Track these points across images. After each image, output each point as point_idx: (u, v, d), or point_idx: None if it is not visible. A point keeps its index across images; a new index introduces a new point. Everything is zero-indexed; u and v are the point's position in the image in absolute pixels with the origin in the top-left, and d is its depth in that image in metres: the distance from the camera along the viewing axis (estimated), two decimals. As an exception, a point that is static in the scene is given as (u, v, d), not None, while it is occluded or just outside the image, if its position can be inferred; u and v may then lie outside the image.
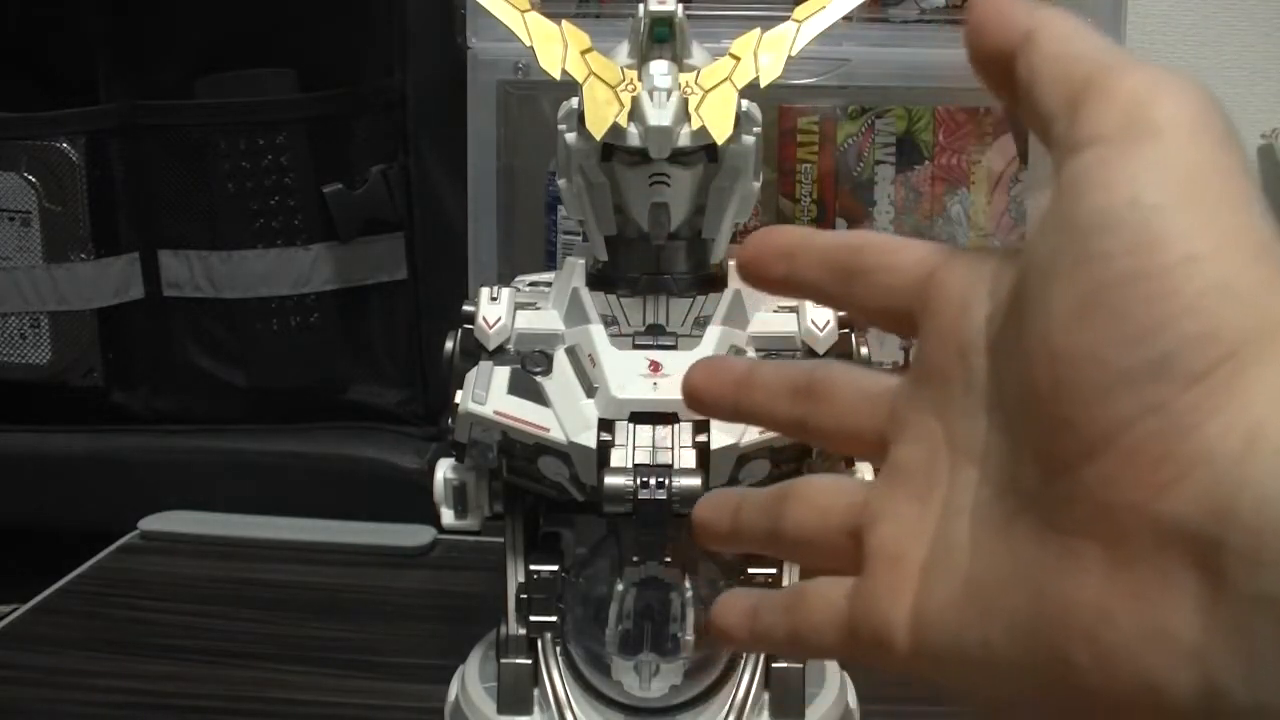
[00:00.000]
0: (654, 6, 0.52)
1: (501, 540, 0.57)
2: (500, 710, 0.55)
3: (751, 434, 0.50)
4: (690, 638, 0.53)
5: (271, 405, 0.92)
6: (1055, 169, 0.24)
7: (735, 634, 0.31)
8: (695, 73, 0.52)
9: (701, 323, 0.54)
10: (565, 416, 0.51)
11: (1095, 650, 0.23)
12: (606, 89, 0.51)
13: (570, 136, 0.53)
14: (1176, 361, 0.22)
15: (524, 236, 0.91)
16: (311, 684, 0.66)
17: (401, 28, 0.88)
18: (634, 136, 0.51)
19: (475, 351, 0.55)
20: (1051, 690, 0.24)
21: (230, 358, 0.92)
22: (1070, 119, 0.24)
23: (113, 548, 0.83)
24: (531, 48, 0.53)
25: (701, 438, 0.50)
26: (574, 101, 0.53)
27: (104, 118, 0.89)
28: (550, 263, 0.88)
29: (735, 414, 0.33)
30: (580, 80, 0.52)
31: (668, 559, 0.52)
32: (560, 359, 0.54)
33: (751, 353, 0.54)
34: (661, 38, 0.52)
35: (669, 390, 0.50)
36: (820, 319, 0.55)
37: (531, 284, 0.61)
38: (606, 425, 0.51)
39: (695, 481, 0.49)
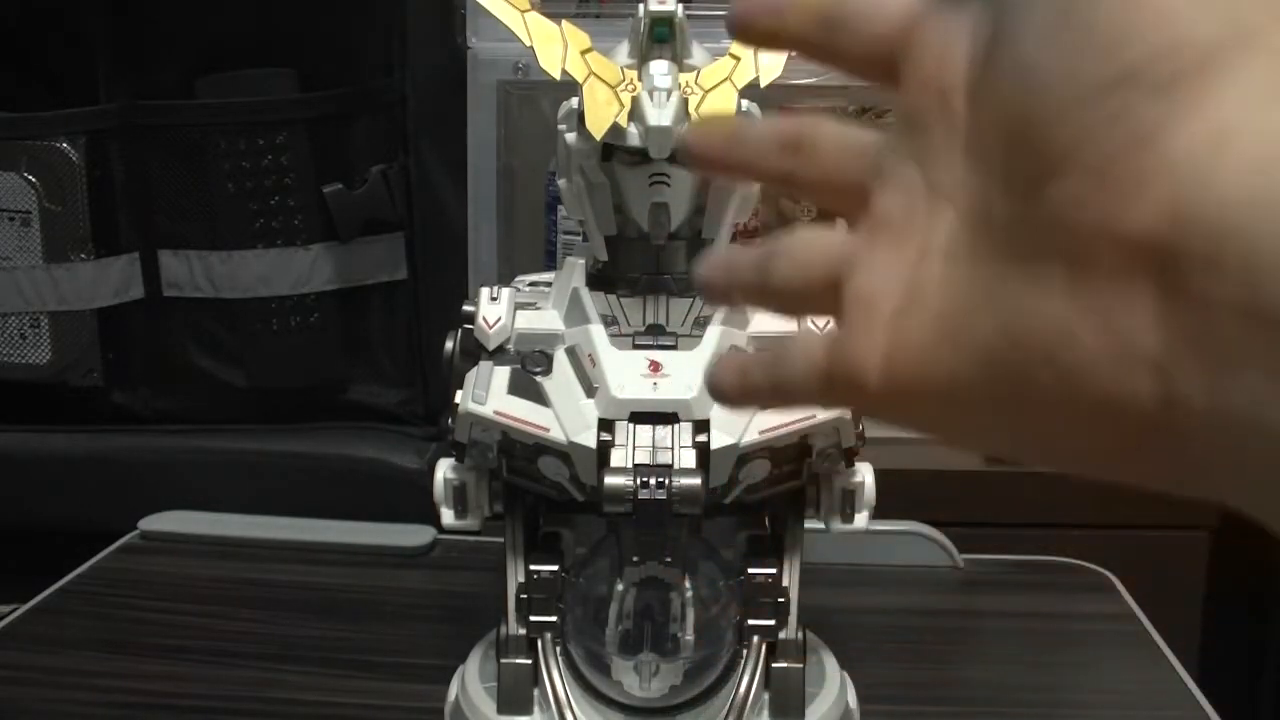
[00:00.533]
0: (654, 6, 0.52)
1: (501, 540, 0.57)
2: (500, 710, 0.55)
3: (752, 434, 0.50)
4: (690, 638, 0.53)
5: (271, 405, 0.93)
6: None
7: (729, 391, 0.32)
8: (695, 73, 0.52)
9: (701, 323, 0.54)
10: (565, 416, 0.51)
11: (1057, 369, 0.23)
12: (606, 89, 0.51)
13: (570, 136, 0.53)
14: (1144, 71, 0.22)
15: (524, 236, 0.91)
16: (311, 684, 0.66)
17: (401, 28, 0.88)
18: (634, 136, 0.51)
19: (475, 351, 0.55)
20: (1016, 414, 0.24)
21: (230, 358, 0.92)
22: None
23: (113, 548, 0.83)
24: (531, 48, 0.53)
25: (701, 438, 0.50)
26: (574, 101, 0.53)
27: (104, 118, 0.89)
28: (550, 263, 0.88)
29: (726, 166, 0.33)
30: (580, 80, 0.52)
31: (668, 559, 0.52)
32: (560, 359, 0.54)
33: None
34: (661, 38, 0.52)
35: (669, 390, 0.50)
36: (820, 320, 0.55)
37: (531, 284, 0.61)
38: (606, 425, 0.51)
39: (695, 481, 0.49)
